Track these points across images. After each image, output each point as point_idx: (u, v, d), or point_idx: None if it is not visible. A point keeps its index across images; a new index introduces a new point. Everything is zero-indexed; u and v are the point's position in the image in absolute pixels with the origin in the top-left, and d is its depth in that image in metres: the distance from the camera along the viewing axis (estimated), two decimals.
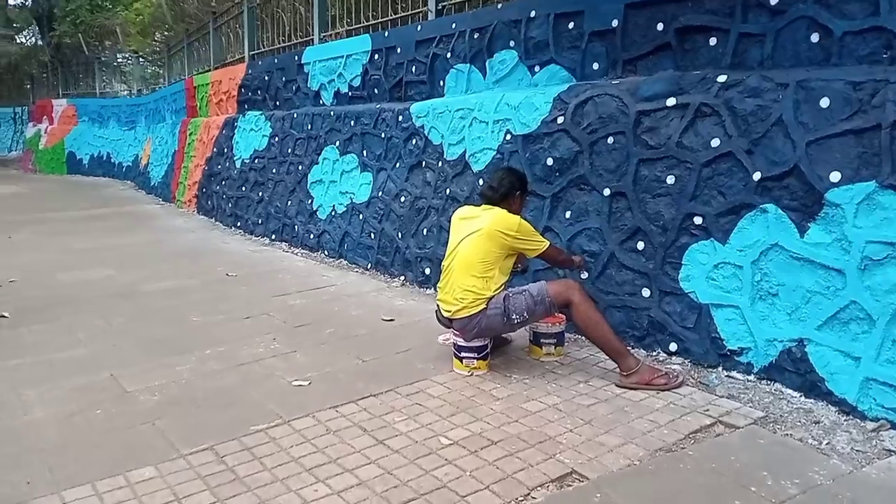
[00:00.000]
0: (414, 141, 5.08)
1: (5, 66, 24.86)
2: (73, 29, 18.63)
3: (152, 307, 4.44)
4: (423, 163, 4.95)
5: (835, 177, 2.69)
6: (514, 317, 2.98)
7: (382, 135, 5.44)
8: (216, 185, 8.49)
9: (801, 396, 2.74)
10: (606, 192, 3.55)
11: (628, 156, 3.46)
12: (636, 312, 3.40)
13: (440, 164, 4.77)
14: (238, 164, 7.93)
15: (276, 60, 7.48)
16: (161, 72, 15.90)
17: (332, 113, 6.19)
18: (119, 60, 18.21)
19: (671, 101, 3.29)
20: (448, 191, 4.63)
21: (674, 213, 3.25)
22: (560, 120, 3.81)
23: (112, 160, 16.42)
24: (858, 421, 2.53)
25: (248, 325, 3.99)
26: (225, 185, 8.20)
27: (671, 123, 3.29)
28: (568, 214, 3.76)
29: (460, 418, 2.66)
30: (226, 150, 8.35)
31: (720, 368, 3.05)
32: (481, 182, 4.36)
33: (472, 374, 3.10)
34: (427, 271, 4.73)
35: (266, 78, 7.66)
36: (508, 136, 4.16)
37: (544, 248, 3.12)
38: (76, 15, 18.46)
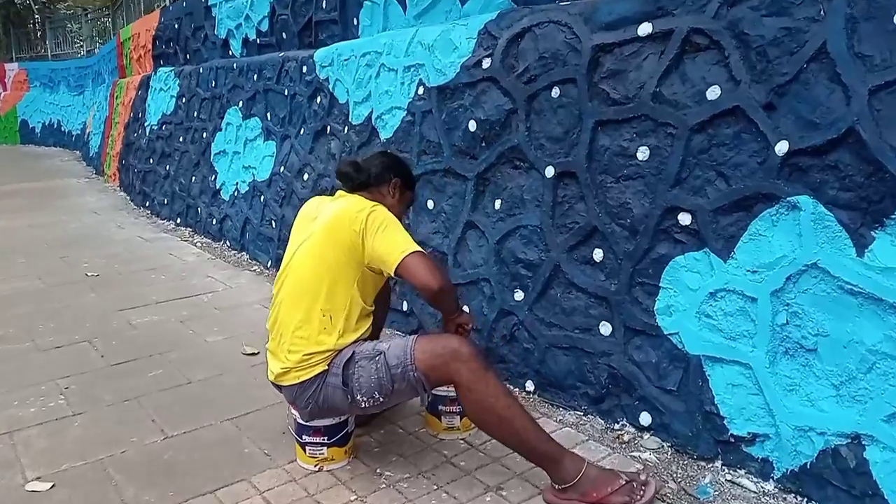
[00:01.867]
0: (318, 99, 3.85)
1: None
2: None
3: None
4: (328, 128, 3.73)
5: None
6: (359, 397, 1.80)
7: (286, 91, 4.20)
8: (130, 156, 7.25)
9: None
10: (549, 171, 2.35)
11: (581, 116, 2.25)
12: (591, 359, 2.22)
13: (345, 129, 3.55)
14: (147, 132, 6.69)
15: (184, 4, 6.17)
16: (108, 29, 14.49)
17: (234, 66, 4.94)
18: (67, 19, 16.74)
19: (645, 29, 2.06)
20: None
21: (647, 207, 2.06)
22: (486, 63, 2.58)
23: (62, 128, 15.09)
24: None
25: (49, 359, 2.82)
26: (135, 157, 6.98)
27: (645, 64, 2.07)
28: (497, 204, 2.56)
29: None
30: (140, 114, 7.10)
31: (719, 464, 1.88)
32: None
33: (319, 470, 1.94)
34: None
35: (176, 27, 6.38)
36: (421, 90, 2.93)
37: (405, 255, 1.73)
38: None
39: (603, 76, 2.18)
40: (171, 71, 6.33)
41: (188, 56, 6.16)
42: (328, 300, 1.81)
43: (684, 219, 1.96)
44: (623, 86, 2.12)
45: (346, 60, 3.55)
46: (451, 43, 2.74)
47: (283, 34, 4.55)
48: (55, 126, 15.42)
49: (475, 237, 2.65)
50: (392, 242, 1.77)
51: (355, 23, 3.80)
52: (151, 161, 6.41)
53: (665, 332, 2.01)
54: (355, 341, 1.84)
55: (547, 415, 2.25)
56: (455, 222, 2.73)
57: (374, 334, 2.02)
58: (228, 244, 4.83)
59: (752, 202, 1.82)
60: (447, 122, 2.76)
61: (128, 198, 7.23)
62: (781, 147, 1.74)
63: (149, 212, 6.32)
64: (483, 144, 2.60)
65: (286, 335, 1.84)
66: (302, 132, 4.01)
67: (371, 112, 3.28)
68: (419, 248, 1.77)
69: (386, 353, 1.77)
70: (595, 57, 2.20)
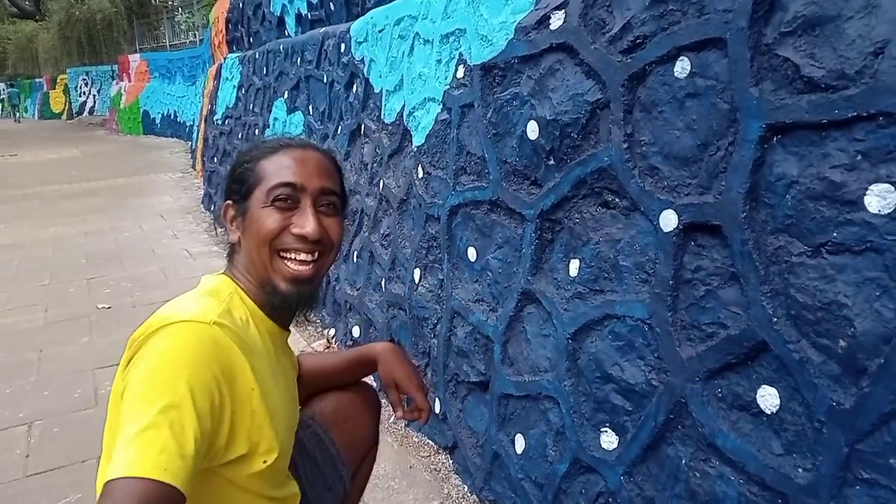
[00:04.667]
0: (354, 87, 2.89)
1: (101, 22, 24.70)
2: None
3: None
4: (362, 127, 2.77)
5: None
6: None
7: (325, 78, 3.28)
8: (207, 152, 6.68)
9: None
10: (669, 220, 1.23)
11: (735, 113, 1.11)
12: None
13: (378, 129, 2.56)
14: (213, 127, 6.05)
15: None
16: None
17: (281, 48, 4.08)
18: (181, 8, 16.98)
19: None
20: (382, 183, 2.43)
21: (890, 318, 0.91)
22: (556, 21, 1.48)
23: (178, 119, 15.29)
24: None
25: None
26: (206, 154, 6.39)
27: (885, 3, 0.91)
28: (574, 268, 1.47)
29: None
30: (213, 107, 6.50)
31: None
32: (420, 170, 2.13)
33: None
34: (355, 331, 2.59)
35: (241, 6, 5.65)
36: (461, 71, 1.87)
37: (113, 476, 0.70)
38: None
39: (785, 31, 1.04)
40: (236, 58, 5.63)
41: (251, 39, 5.43)
42: None
43: None
44: (831, 50, 0.98)
45: (380, 32, 2.55)
46: None
47: (332, 5, 3.62)
48: (172, 117, 15.64)
49: (537, 319, 1.57)
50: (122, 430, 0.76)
51: None
52: (215, 160, 5.77)
53: None
54: None
55: None
56: (506, 289, 1.67)
57: None
58: None
59: None
60: (495, 122, 1.69)
61: (203, 199, 6.68)
62: None
63: (211, 219, 5.68)
64: (550, 162, 1.52)
65: None
66: (339, 131, 3.07)
67: (403, 106, 2.27)
68: (155, 466, 0.72)
69: None
70: None
